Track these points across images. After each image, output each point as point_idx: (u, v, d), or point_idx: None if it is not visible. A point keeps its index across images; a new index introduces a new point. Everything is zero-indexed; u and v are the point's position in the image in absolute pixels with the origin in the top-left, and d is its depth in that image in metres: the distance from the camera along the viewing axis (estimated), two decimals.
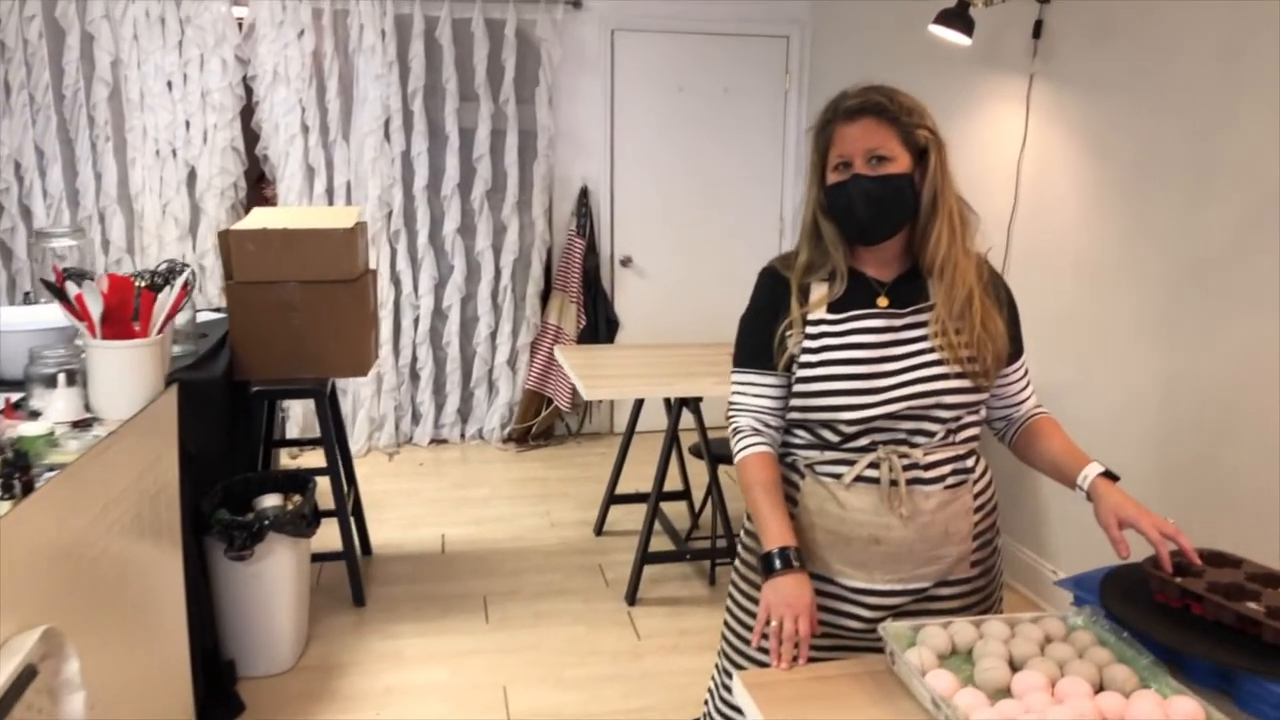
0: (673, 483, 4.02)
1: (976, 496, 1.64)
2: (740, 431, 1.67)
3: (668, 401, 3.60)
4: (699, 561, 3.66)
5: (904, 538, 1.59)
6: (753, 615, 1.66)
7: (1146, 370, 2.94)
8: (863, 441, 1.60)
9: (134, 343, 2.11)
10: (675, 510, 4.06)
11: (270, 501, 3.01)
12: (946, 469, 1.61)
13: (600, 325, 5.26)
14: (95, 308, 2.07)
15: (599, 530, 4.04)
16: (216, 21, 4.53)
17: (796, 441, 1.67)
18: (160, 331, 2.20)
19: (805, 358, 1.60)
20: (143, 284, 2.33)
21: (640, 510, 3.83)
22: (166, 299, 2.20)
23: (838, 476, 1.61)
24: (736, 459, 1.66)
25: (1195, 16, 2.72)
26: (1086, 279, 3.20)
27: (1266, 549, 2.50)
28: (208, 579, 2.81)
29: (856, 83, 1.62)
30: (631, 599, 3.42)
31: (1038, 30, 3.34)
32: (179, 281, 2.26)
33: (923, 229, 1.60)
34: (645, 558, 3.43)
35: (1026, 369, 1.73)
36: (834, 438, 1.61)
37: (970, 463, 1.64)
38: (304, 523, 2.92)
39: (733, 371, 1.71)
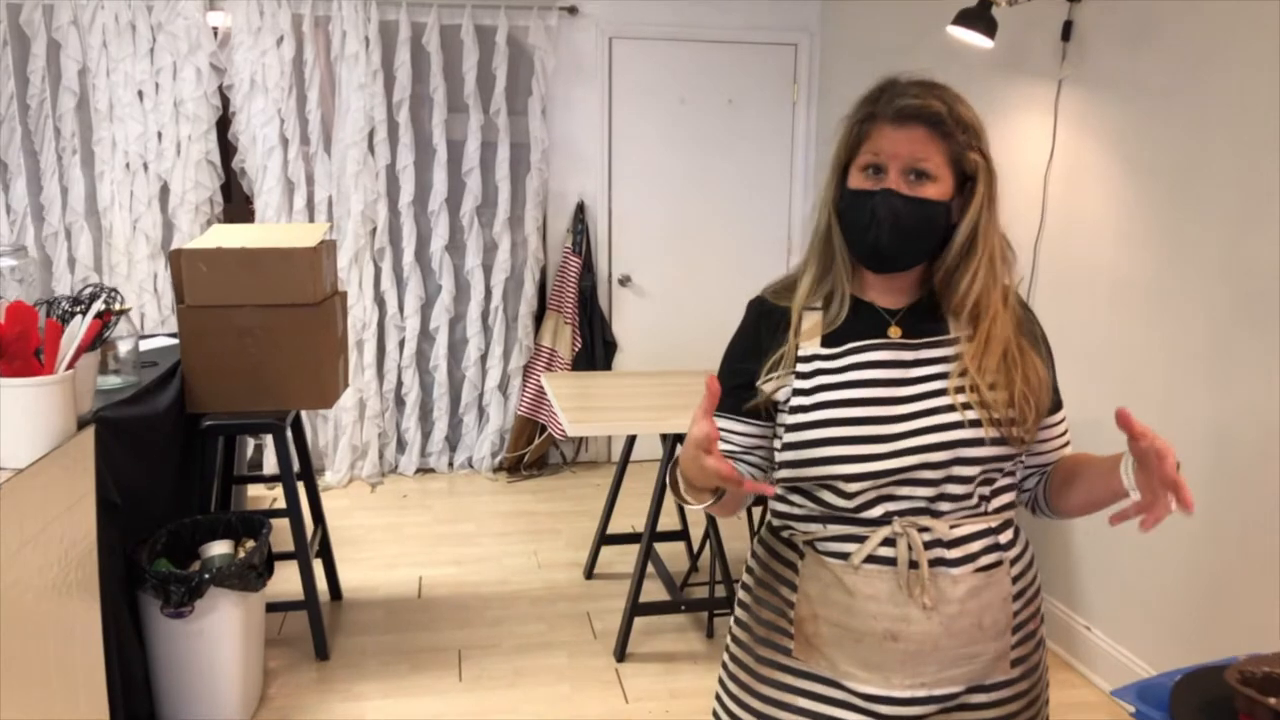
0: (671, 517, 3.73)
1: (1016, 580, 1.34)
2: None
3: (664, 435, 3.30)
4: (696, 612, 3.35)
5: (928, 632, 1.29)
6: (746, 706, 1.38)
7: (1193, 413, 2.63)
8: (875, 511, 1.30)
9: (31, 381, 1.83)
10: (671, 551, 3.75)
11: (219, 549, 2.72)
12: (978, 545, 1.31)
13: (597, 348, 4.97)
14: None
15: (589, 573, 3.74)
16: (190, 28, 4.28)
17: (795, 511, 1.38)
18: (70, 366, 1.92)
19: (796, 400, 1.31)
20: (57, 313, 2.06)
21: (634, 550, 3.53)
22: (76, 330, 1.92)
23: (845, 556, 1.31)
24: None
25: (1249, 14, 2.42)
26: (1123, 308, 2.89)
27: None
28: (142, 638, 2.53)
29: (912, 73, 1.32)
30: (620, 654, 3.12)
31: (1067, 32, 3.05)
32: (91, 311, 1.98)
33: (951, 267, 1.32)
34: (635, 609, 3.13)
35: (1066, 425, 1.42)
36: (839, 501, 1.31)
37: (1006, 537, 1.34)
38: (253, 574, 2.63)
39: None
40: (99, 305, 2.03)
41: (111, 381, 2.65)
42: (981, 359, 1.29)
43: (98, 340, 2.13)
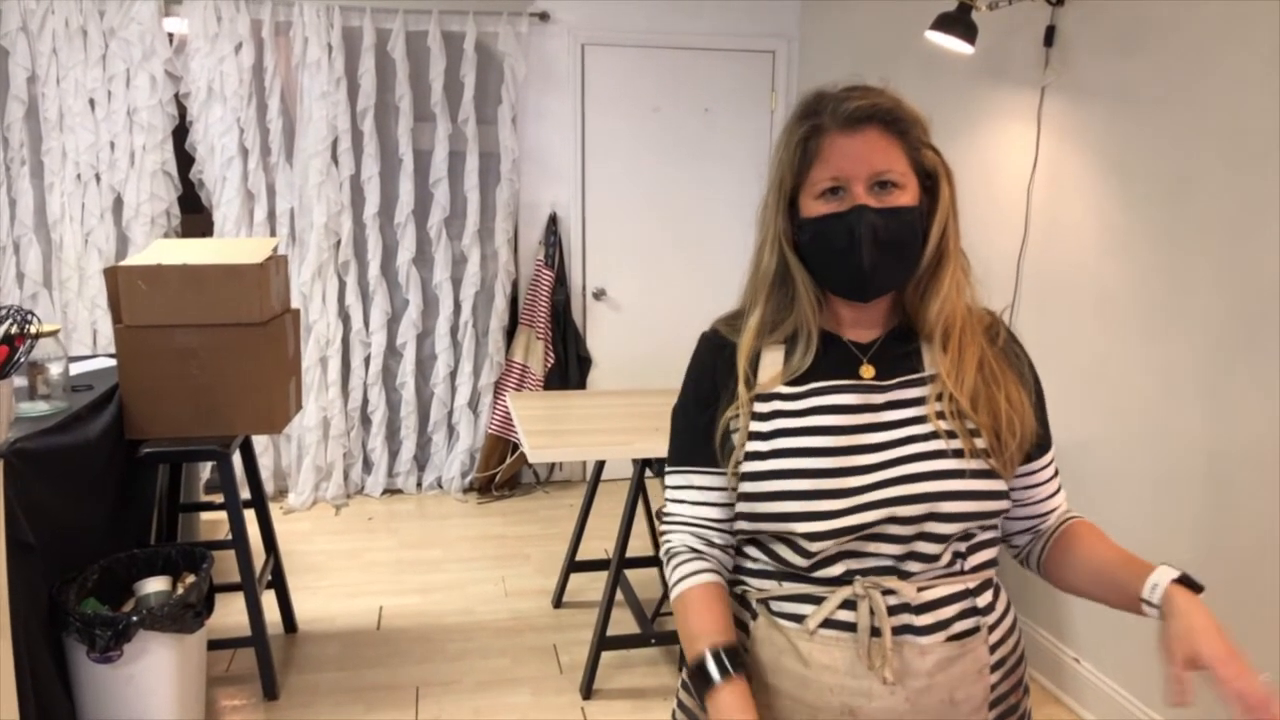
0: (642, 540, 3.58)
1: (995, 648, 1.19)
2: (676, 555, 1.23)
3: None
4: (668, 645, 3.19)
5: (891, 709, 1.14)
6: None
7: (1186, 433, 2.49)
8: (835, 570, 1.16)
9: None
10: (644, 577, 3.60)
11: (154, 586, 2.55)
12: (950, 610, 1.16)
13: (571, 363, 4.82)
14: None
15: (558, 602, 3.58)
16: (144, 34, 4.12)
17: (748, 566, 1.23)
18: None
19: (753, 446, 1.17)
20: None
21: (605, 578, 3.37)
22: None
23: (800, 619, 1.17)
24: (673, 595, 1.22)
25: (1243, 18, 2.30)
26: (1111, 323, 2.76)
27: None
28: (68, 685, 2.36)
29: (837, 81, 1.20)
30: (587, 691, 2.96)
31: (1050, 37, 2.92)
32: None
33: (925, 281, 1.19)
34: (603, 642, 2.97)
35: (1056, 466, 1.29)
36: (797, 559, 1.17)
37: (985, 600, 1.20)
38: (190, 614, 2.46)
39: (667, 472, 1.28)
40: (4, 329, 1.88)
41: (40, 408, 2.49)
42: (960, 375, 1.17)
43: (9, 366, 1.97)
